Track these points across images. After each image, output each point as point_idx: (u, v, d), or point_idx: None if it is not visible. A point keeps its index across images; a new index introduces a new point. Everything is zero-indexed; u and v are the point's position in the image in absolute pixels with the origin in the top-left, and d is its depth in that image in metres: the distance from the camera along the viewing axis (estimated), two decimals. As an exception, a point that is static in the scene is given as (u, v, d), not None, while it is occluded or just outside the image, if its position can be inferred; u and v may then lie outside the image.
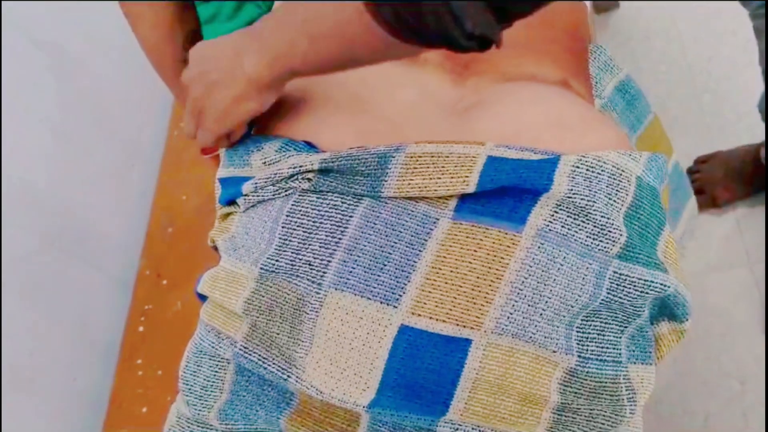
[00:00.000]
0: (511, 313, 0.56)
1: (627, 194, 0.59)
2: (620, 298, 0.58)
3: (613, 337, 0.59)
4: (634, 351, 0.61)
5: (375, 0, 0.48)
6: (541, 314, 0.56)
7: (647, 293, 0.58)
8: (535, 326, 0.56)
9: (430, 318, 0.56)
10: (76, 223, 1.12)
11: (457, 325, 0.56)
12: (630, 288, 0.58)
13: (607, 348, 0.59)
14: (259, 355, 0.62)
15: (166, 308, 1.11)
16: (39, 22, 1.09)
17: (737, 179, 1.32)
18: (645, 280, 0.58)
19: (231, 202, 0.70)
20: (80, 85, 1.17)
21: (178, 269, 1.14)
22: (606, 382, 0.58)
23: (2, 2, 1.03)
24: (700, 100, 1.45)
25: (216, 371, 0.65)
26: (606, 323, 0.59)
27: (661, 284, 0.59)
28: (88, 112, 1.18)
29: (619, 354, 0.59)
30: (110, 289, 1.17)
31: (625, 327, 0.60)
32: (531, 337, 0.56)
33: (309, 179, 0.61)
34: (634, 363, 0.61)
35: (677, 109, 1.45)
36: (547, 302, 0.56)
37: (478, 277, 0.56)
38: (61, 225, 1.09)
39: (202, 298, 0.70)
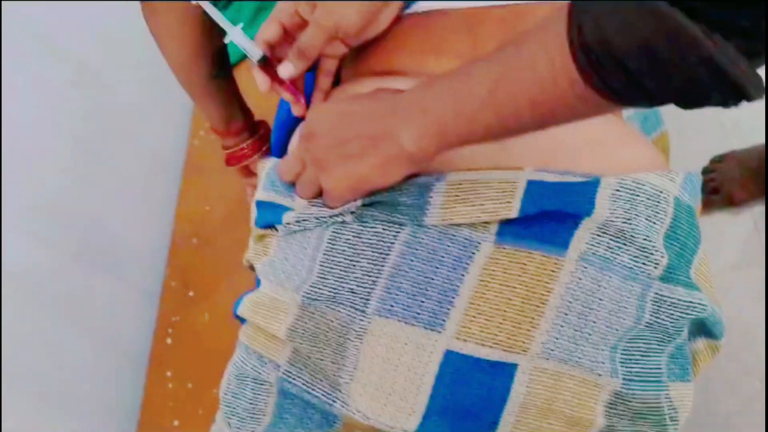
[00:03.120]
0: (557, 338, 0.56)
1: (666, 215, 0.60)
2: (662, 319, 0.59)
3: (655, 357, 0.60)
4: (673, 369, 0.62)
5: (599, 71, 0.42)
6: (587, 339, 0.57)
7: (688, 314, 0.59)
8: (581, 351, 0.57)
9: (476, 343, 0.57)
10: (102, 236, 1.13)
11: (503, 350, 0.57)
12: (671, 309, 0.59)
13: (650, 368, 0.59)
14: (304, 380, 0.63)
15: (193, 320, 1.12)
16: (61, 37, 1.09)
17: (754, 178, 1.32)
18: (685, 301, 0.59)
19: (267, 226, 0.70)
20: (102, 98, 1.17)
21: (204, 280, 1.14)
22: (650, 402, 0.59)
23: (24, 17, 1.03)
24: (715, 98, 1.45)
25: (259, 394, 0.66)
26: (648, 344, 0.60)
27: (700, 304, 0.59)
28: (110, 124, 1.18)
29: (661, 373, 0.60)
30: (137, 300, 1.17)
31: (666, 346, 0.61)
32: (577, 361, 0.57)
33: (352, 212, 0.62)
34: (674, 381, 0.62)
35: (692, 108, 1.45)
36: (592, 326, 0.57)
37: (522, 302, 0.57)
38: (86, 238, 1.10)
39: (241, 319, 0.70)
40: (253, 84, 0.97)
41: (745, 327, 1.24)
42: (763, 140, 1.33)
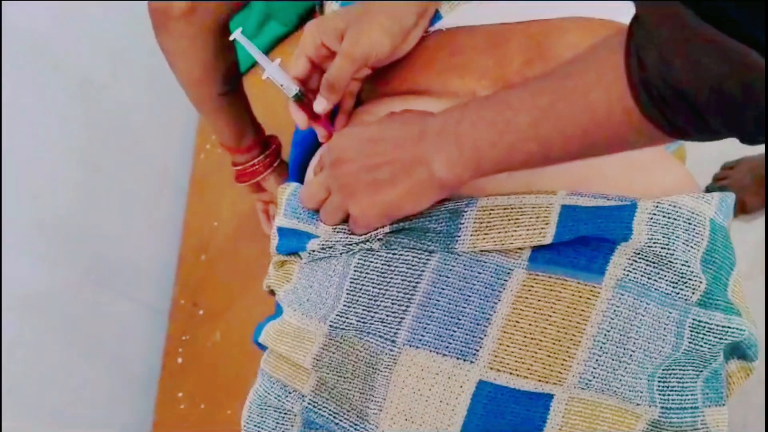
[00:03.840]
0: (595, 368, 0.55)
1: (703, 239, 0.58)
2: (700, 346, 0.57)
3: (691, 383, 0.59)
4: (708, 394, 0.61)
5: (662, 107, 0.41)
6: (625, 368, 0.55)
7: (726, 339, 0.58)
8: (620, 380, 0.55)
9: (510, 373, 0.55)
10: (108, 254, 1.11)
11: (539, 380, 0.55)
12: (710, 335, 0.57)
13: (686, 396, 0.58)
14: (330, 410, 0.61)
15: (204, 339, 1.10)
16: (65, 52, 1.08)
17: (766, 185, 1.31)
18: (723, 326, 0.57)
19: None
20: (106, 115, 1.15)
21: (214, 298, 1.12)
22: (687, 430, 0.58)
23: (28, 32, 1.01)
24: (725, 103, 1.44)
25: (282, 423, 0.64)
26: (685, 371, 0.58)
27: (738, 329, 0.58)
28: (114, 140, 1.16)
29: (696, 399, 0.59)
30: (146, 320, 1.15)
31: (701, 372, 0.60)
32: (615, 391, 0.55)
33: (380, 239, 0.60)
34: (709, 406, 0.61)
35: (702, 114, 1.43)
36: (631, 355, 0.55)
37: (558, 331, 0.55)
38: (92, 256, 1.08)
39: (261, 346, 0.68)
40: (262, 96, 0.96)
41: (759, 337, 1.22)
42: (774, 147, 1.32)
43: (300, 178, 0.77)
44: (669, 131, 0.42)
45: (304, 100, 0.66)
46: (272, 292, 0.72)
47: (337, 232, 0.62)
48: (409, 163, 0.55)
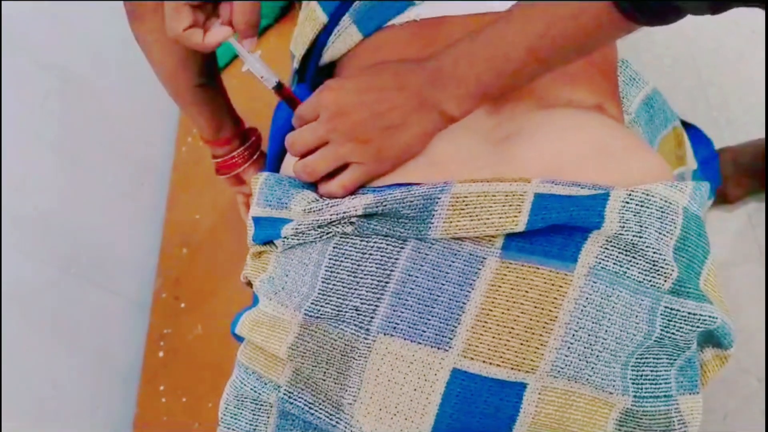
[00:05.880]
0: (567, 356, 0.55)
1: (675, 227, 0.58)
2: (673, 333, 0.58)
3: (664, 371, 0.59)
4: (682, 382, 0.61)
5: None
6: (597, 356, 0.55)
7: (698, 327, 0.58)
8: (592, 368, 0.55)
9: (483, 361, 0.55)
10: (89, 247, 1.11)
11: (512, 368, 0.55)
12: (682, 323, 0.58)
13: (660, 384, 0.58)
14: (305, 401, 0.61)
15: (186, 332, 1.09)
16: (44, 45, 1.07)
17: (748, 174, 1.31)
18: (696, 314, 0.58)
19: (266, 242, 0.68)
20: (86, 106, 1.14)
21: (196, 291, 1.12)
22: (660, 418, 0.58)
23: (6, 24, 1.00)
24: (706, 93, 1.44)
25: (258, 415, 0.64)
26: (658, 359, 0.59)
27: (710, 316, 0.58)
28: (95, 133, 1.16)
29: (670, 387, 0.59)
30: (127, 313, 1.15)
31: (675, 360, 0.60)
32: (588, 379, 0.55)
33: (352, 223, 0.60)
34: (683, 394, 0.61)
35: (683, 104, 1.43)
36: (603, 343, 0.55)
37: (531, 319, 0.55)
38: (76, 251, 1.08)
39: (238, 338, 0.68)
40: (243, 88, 0.96)
41: (741, 325, 1.23)
42: (756, 136, 1.32)
43: (277, 170, 0.76)
44: (646, 22, 0.51)
45: (283, 90, 0.66)
46: (250, 284, 0.72)
47: (308, 212, 0.61)
48: (417, 106, 0.58)
